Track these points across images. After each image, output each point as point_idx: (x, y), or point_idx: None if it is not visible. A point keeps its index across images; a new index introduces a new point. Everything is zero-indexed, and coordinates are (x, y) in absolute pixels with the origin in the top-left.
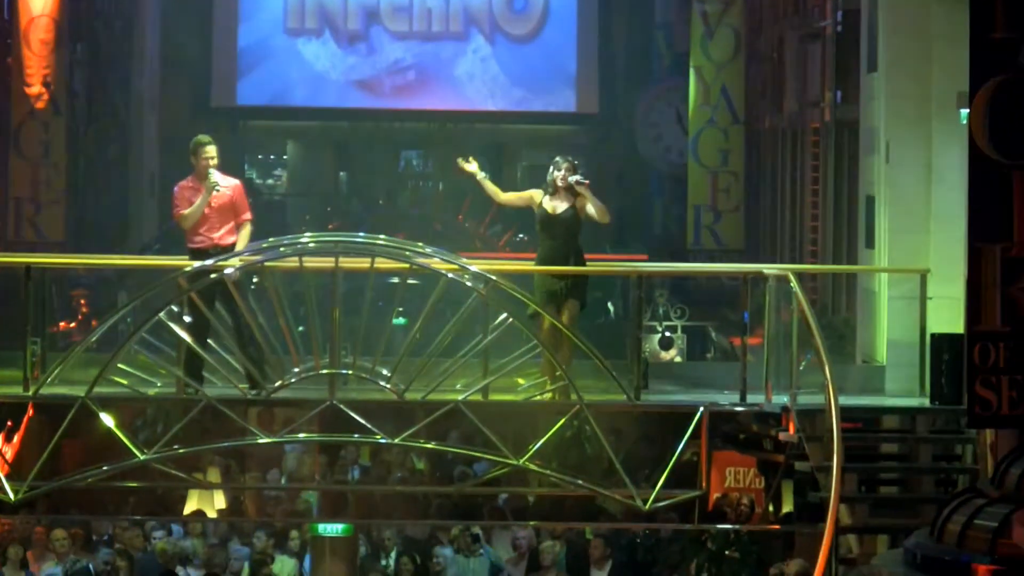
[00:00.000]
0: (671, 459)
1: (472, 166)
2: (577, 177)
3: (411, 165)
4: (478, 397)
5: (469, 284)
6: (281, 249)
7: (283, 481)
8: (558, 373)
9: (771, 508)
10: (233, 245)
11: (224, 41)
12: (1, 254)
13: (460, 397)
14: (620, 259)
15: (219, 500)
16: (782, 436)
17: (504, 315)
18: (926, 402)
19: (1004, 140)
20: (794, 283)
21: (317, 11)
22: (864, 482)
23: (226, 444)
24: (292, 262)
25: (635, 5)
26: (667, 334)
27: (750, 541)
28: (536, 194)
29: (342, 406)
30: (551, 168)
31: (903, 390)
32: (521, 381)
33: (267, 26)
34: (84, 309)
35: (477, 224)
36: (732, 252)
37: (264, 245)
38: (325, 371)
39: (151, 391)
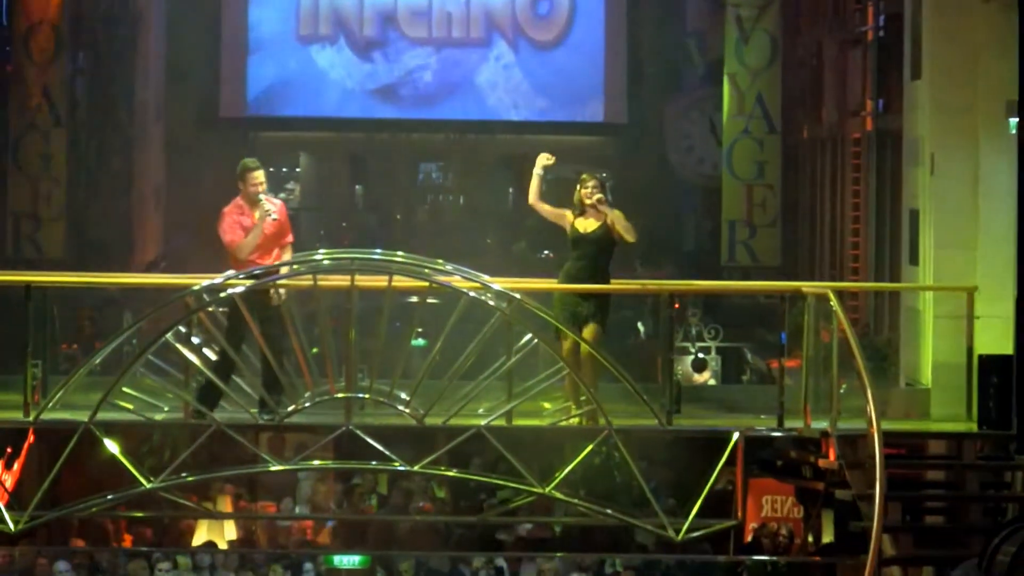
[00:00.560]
0: (705, 487)
1: (550, 161)
2: (598, 196)
3: (430, 178)
4: (502, 422)
5: (491, 303)
6: (294, 267)
7: (297, 510)
8: (583, 398)
9: (810, 539)
10: None
11: (233, 48)
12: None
13: (483, 422)
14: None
15: (230, 530)
16: (822, 463)
17: (528, 336)
18: (973, 427)
19: None
20: (834, 302)
21: (331, 17)
22: (908, 511)
23: (237, 471)
24: (306, 280)
25: (666, 9)
26: (700, 355)
27: (788, 573)
28: (569, 214)
29: (358, 431)
30: (578, 185)
31: (949, 414)
32: (547, 405)
33: (278, 33)
34: (88, 330)
35: (502, 241)
36: (768, 269)
37: (276, 263)
38: (340, 395)
39: (158, 416)
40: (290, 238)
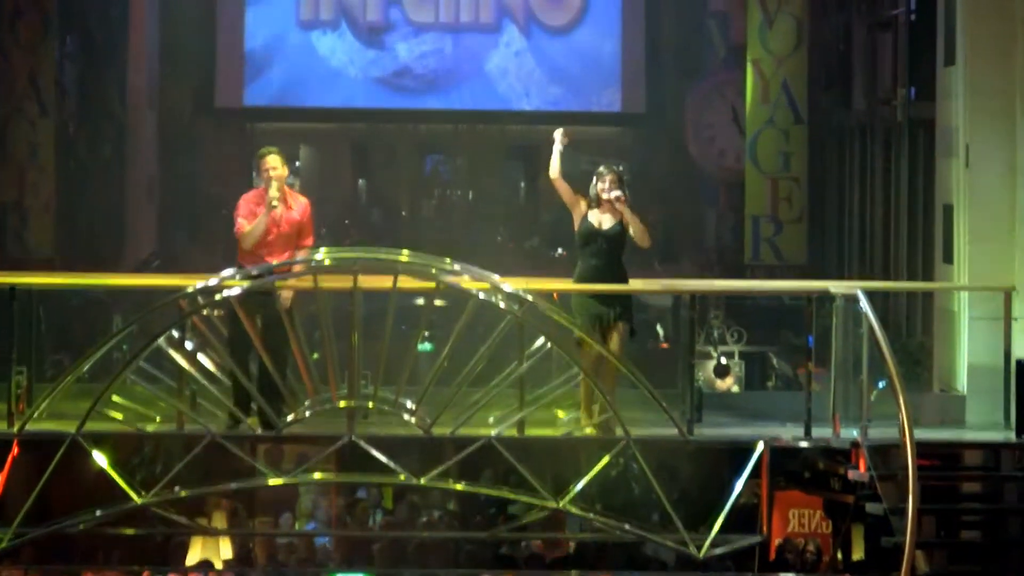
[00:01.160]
0: (728, 500)
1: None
2: (616, 193)
3: (437, 171)
4: (513, 432)
5: (503, 305)
6: (294, 267)
7: (297, 526)
8: (596, 405)
9: (839, 555)
10: None
11: (230, 34)
12: None
13: (493, 432)
14: None
15: (225, 548)
16: (851, 474)
17: (542, 340)
18: (1012, 435)
19: None
20: (864, 302)
21: (333, 1)
22: (943, 525)
23: (233, 485)
24: (306, 281)
25: None
26: (723, 360)
27: None
28: (584, 205)
29: (362, 442)
30: (594, 178)
31: (986, 422)
32: (561, 414)
33: (278, 18)
34: (76, 334)
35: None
36: (794, 268)
37: (275, 263)
38: (343, 403)
39: (149, 427)
40: (310, 241)
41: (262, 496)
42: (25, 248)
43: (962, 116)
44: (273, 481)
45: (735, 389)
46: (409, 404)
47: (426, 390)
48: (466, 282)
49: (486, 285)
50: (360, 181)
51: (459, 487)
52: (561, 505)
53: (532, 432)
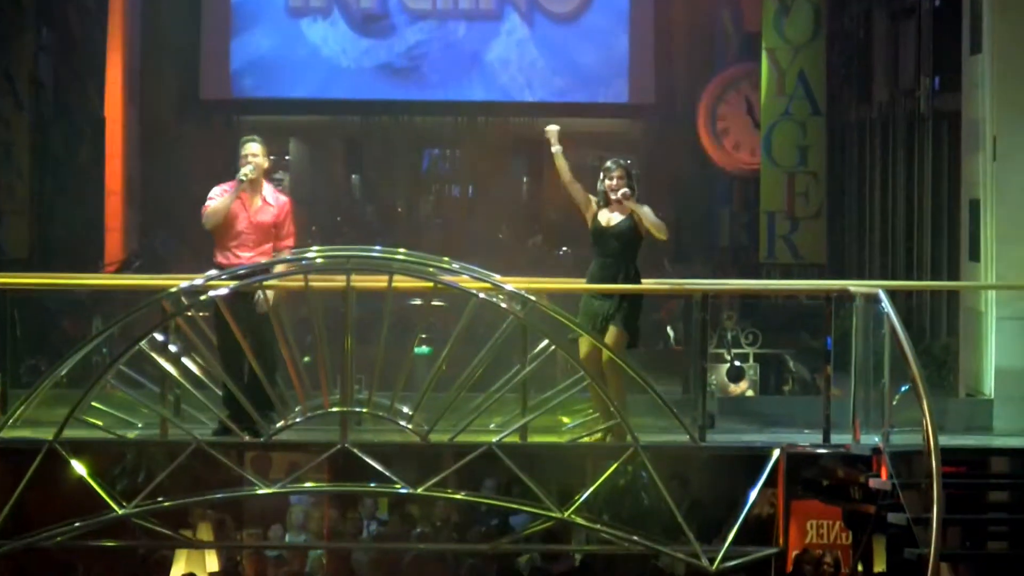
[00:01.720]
0: (742, 510)
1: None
2: (623, 191)
3: (435, 166)
4: (516, 438)
5: (504, 306)
6: (283, 266)
7: (287, 538)
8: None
9: (860, 567)
10: None
11: (215, 23)
12: None
13: (494, 439)
14: None
15: (211, 562)
16: (873, 483)
17: (545, 342)
18: None
19: None
20: (886, 302)
21: None
22: (969, 536)
23: (220, 495)
24: (296, 281)
25: None
26: (737, 363)
27: None
28: (593, 204)
29: (355, 450)
30: (601, 174)
31: (1014, 428)
32: (566, 420)
33: (266, 5)
34: (53, 337)
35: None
36: (812, 267)
37: (263, 261)
38: (336, 409)
39: (131, 434)
40: (290, 241)
41: (250, 507)
42: None
43: (989, 107)
44: (262, 491)
45: (750, 393)
46: (406, 410)
47: (423, 395)
48: (465, 282)
49: (486, 285)
50: (353, 177)
51: (459, 497)
52: (566, 516)
53: (535, 439)
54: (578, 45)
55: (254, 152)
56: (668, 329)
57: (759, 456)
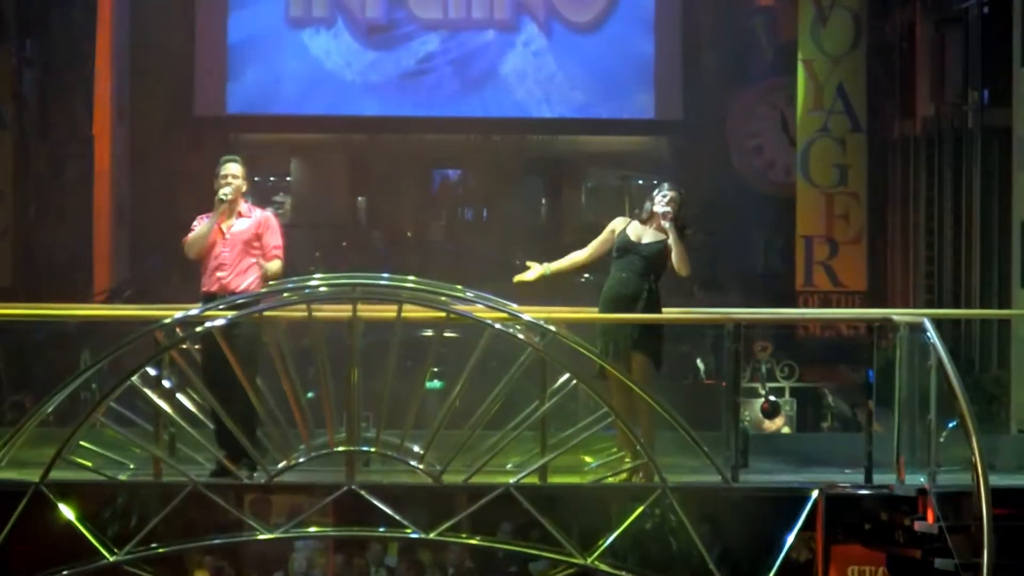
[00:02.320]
0: (778, 556)
1: (534, 272)
2: (666, 209)
3: (447, 187)
4: (535, 479)
5: (521, 337)
6: (285, 295)
7: None
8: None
9: None
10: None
11: (210, 33)
12: None
13: (512, 479)
14: None
15: None
16: (918, 526)
17: (566, 376)
18: None
19: None
20: (932, 332)
21: None
22: None
23: (218, 541)
24: (299, 311)
25: None
26: (772, 398)
27: None
28: (618, 223)
29: (363, 492)
30: (654, 192)
31: None
32: (588, 459)
33: (264, 16)
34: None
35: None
36: (852, 294)
37: (264, 289)
38: (341, 448)
39: (123, 475)
40: (277, 252)
41: (251, 552)
42: None
43: None
44: (263, 536)
45: (786, 430)
46: (416, 449)
47: (435, 433)
48: (479, 312)
49: (502, 315)
50: (359, 199)
51: (474, 542)
52: (589, 561)
53: (556, 480)
54: (600, 56)
55: (234, 173)
56: (698, 361)
57: (796, 497)
